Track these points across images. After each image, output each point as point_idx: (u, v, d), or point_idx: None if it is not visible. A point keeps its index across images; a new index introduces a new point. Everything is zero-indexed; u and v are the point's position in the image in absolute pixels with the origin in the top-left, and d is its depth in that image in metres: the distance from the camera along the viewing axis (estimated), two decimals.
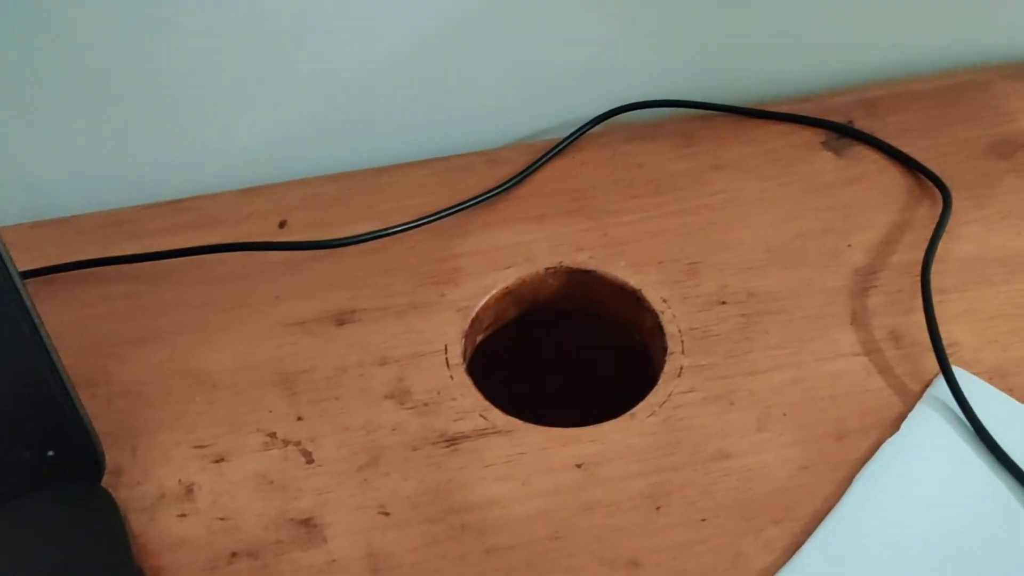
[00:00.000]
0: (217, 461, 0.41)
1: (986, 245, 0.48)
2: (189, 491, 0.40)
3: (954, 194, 0.50)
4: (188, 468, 0.41)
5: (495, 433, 0.41)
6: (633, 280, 0.47)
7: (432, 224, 0.49)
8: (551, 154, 0.53)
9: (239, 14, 0.47)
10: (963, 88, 0.56)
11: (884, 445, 0.40)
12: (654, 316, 0.46)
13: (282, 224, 0.50)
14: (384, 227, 0.49)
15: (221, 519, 0.39)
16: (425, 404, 0.43)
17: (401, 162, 0.54)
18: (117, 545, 0.37)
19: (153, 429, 0.42)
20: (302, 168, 0.53)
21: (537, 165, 0.52)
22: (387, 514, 0.39)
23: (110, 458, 0.40)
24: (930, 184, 0.51)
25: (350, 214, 0.50)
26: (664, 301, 0.46)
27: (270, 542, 0.38)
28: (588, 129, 0.54)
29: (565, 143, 0.53)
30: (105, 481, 0.40)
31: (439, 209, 0.50)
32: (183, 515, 0.39)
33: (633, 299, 0.47)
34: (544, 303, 0.49)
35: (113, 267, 0.48)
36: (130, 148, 0.52)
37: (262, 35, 0.49)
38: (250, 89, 0.51)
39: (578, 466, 0.40)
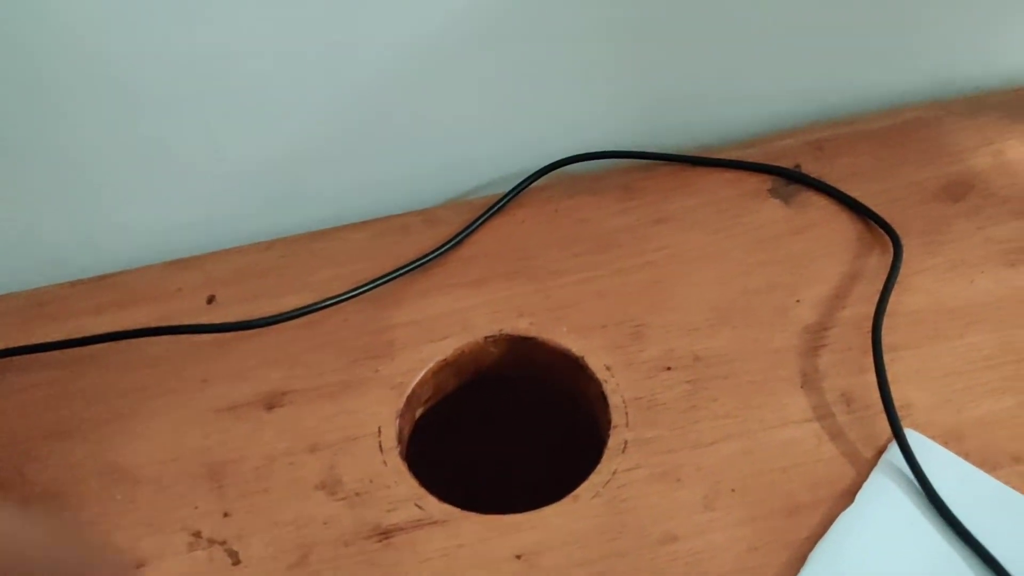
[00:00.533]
0: (137, 567, 0.39)
1: (938, 296, 0.46)
2: None
3: (905, 241, 0.48)
4: None
5: (431, 524, 0.39)
6: (576, 347, 0.45)
7: (366, 294, 0.47)
8: (490, 212, 0.51)
9: (150, 91, 0.45)
10: (912, 126, 0.55)
11: (839, 519, 0.39)
12: (597, 385, 0.44)
13: (211, 299, 0.48)
14: (316, 300, 0.47)
15: None
16: (357, 494, 0.41)
17: (337, 224, 0.52)
18: None
19: None
20: (233, 236, 0.51)
21: (476, 225, 0.50)
22: None
23: None
24: (880, 231, 0.49)
25: (282, 285, 0.48)
26: (607, 368, 0.44)
27: None
28: (529, 184, 0.52)
29: (505, 200, 0.52)
30: None
31: (374, 276, 0.48)
32: None
33: (576, 366, 0.45)
34: (486, 371, 0.47)
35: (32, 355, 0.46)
36: (48, 224, 0.50)
37: (179, 108, 0.47)
38: (173, 163, 0.49)
39: (518, 557, 0.38)
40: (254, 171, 0.51)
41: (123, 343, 0.46)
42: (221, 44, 0.45)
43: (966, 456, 0.40)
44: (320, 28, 0.45)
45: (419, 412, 0.46)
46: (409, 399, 0.44)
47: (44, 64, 0.43)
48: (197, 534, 0.40)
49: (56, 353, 0.46)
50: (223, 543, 0.39)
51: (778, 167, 0.52)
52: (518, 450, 0.51)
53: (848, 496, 0.39)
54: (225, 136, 0.49)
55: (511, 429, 0.50)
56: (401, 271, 0.48)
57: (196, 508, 0.40)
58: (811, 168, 0.52)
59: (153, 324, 0.46)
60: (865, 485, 0.40)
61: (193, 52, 0.44)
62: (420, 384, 0.45)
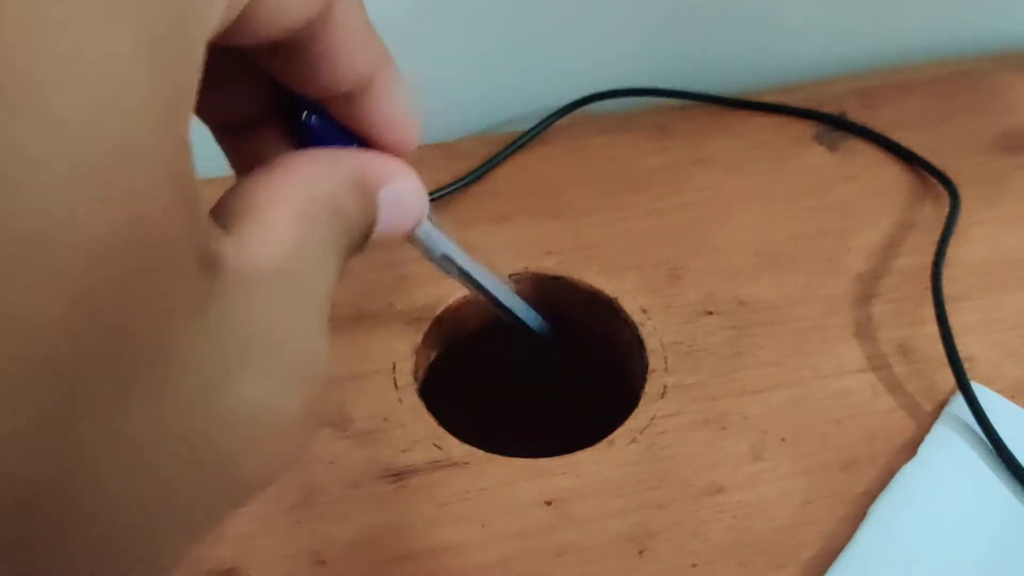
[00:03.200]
0: None
1: (999, 247, 0.43)
2: None
3: (961, 192, 0.45)
4: None
5: (450, 466, 0.35)
6: (608, 287, 0.42)
7: None
8: (514, 147, 0.47)
9: None
10: (963, 77, 0.51)
11: (899, 473, 0.35)
12: (632, 328, 0.40)
13: None
14: None
15: None
16: (369, 432, 0.37)
17: None
18: None
19: None
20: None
21: (498, 159, 0.47)
22: (323, 562, 0.33)
23: None
24: (934, 181, 0.46)
25: None
26: (644, 311, 0.41)
27: None
28: (555, 120, 0.49)
29: (530, 135, 0.48)
30: None
31: None
32: None
33: (609, 309, 0.42)
34: None
35: None
36: None
37: None
38: None
39: (548, 503, 0.34)
40: None
41: None
42: None
43: None
44: None
45: (437, 353, 0.42)
46: (426, 336, 0.40)
47: None
48: None
49: None
50: None
51: (823, 113, 0.49)
52: (544, 401, 0.47)
53: (909, 450, 0.36)
54: None
55: (537, 378, 0.46)
56: None
57: None
58: (857, 116, 0.49)
59: None
60: (928, 438, 0.36)
61: None
62: (437, 321, 0.41)
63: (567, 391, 0.47)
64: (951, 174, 0.46)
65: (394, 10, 0.45)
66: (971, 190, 0.45)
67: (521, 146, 0.48)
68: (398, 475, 0.35)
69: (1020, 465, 0.35)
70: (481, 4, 0.46)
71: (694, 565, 0.33)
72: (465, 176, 0.46)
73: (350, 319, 0.40)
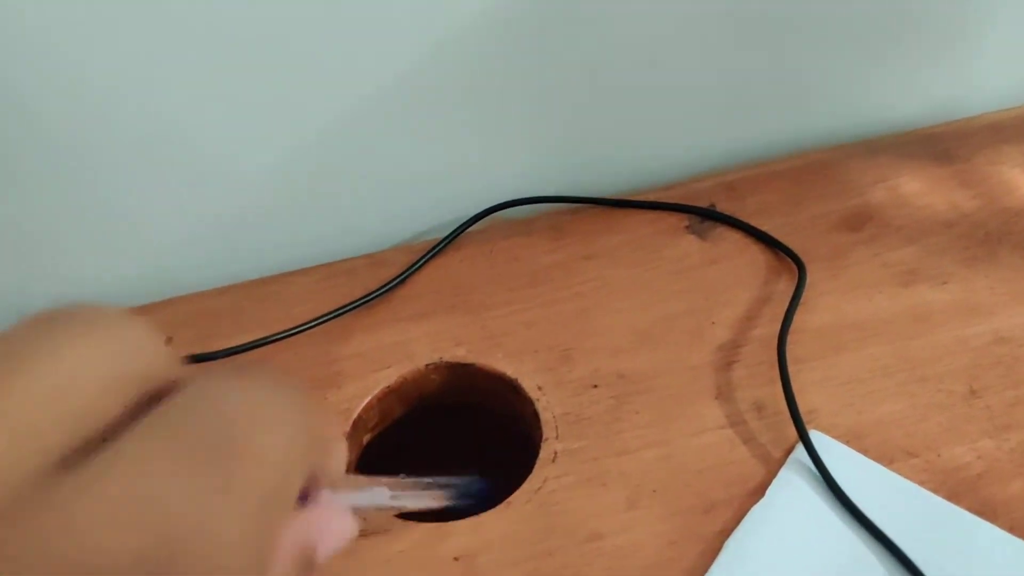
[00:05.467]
0: None
1: (840, 313, 0.51)
2: None
3: (809, 267, 0.53)
4: None
5: (373, 534, 0.42)
6: (510, 370, 0.49)
7: (315, 329, 0.51)
8: (431, 253, 0.55)
9: (108, 157, 0.49)
10: (815, 166, 0.60)
11: (750, 512, 0.42)
12: (531, 403, 0.48)
13: (168, 341, 0.51)
14: (266, 335, 0.50)
15: None
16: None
17: (288, 270, 0.55)
18: None
19: None
20: (187, 286, 0.54)
21: (418, 265, 0.54)
22: None
23: None
24: (787, 258, 0.54)
25: (236, 327, 0.52)
26: (539, 388, 0.48)
27: None
28: (467, 228, 0.57)
29: (444, 242, 0.56)
30: None
31: (320, 314, 0.51)
32: None
33: (511, 388, 0.49)
34: (428, 399, 0.51)
35: None
36: (17, 277, 0.53)
37: (139, 174, 0.51)
38: (128, 220, 0.52)
39: (456, 559, 0.41)
40: (209, 227, 0.54)
41: None
42: (173, 112, 0.49)
43: (865, 453, 0.44)
44: (268, 89, 0.50)
45: (367, 438, 0.49)
46: (355, 424, 0.47)
47: None
48: None
49: None
50: None
51: (694, 206, 0.57)
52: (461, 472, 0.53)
53: (759, 492, 0.43)
54: (180, 193, 0.53)
55: (454, 453, 0.53)
56: (349, 307, 0.52)
57: None
58: (724, 207, 0.57)
59: None
60: (774, 481, 0.43)
61: (147, 119, 0.49)
62: (366, 410, 0.48)
63: (485, 462, 0.54)
64: (801, 251, 0.53)
65: (322, 138, 0.53)
66: (818, 265, 0.53)
67: (438, 252, 0.55)
68: None
69: (849, 499, 0.42)
70: (402, 131, 0.54)
71: None
72: (388, 282, 0.53)
73: None
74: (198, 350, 0.50)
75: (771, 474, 0.44)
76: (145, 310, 0.53)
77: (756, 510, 0.42)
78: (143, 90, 0.48)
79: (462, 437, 0.53)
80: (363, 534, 0.42)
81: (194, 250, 0.55)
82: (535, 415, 0.47)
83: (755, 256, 0.54)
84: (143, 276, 0.55)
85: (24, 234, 0.52)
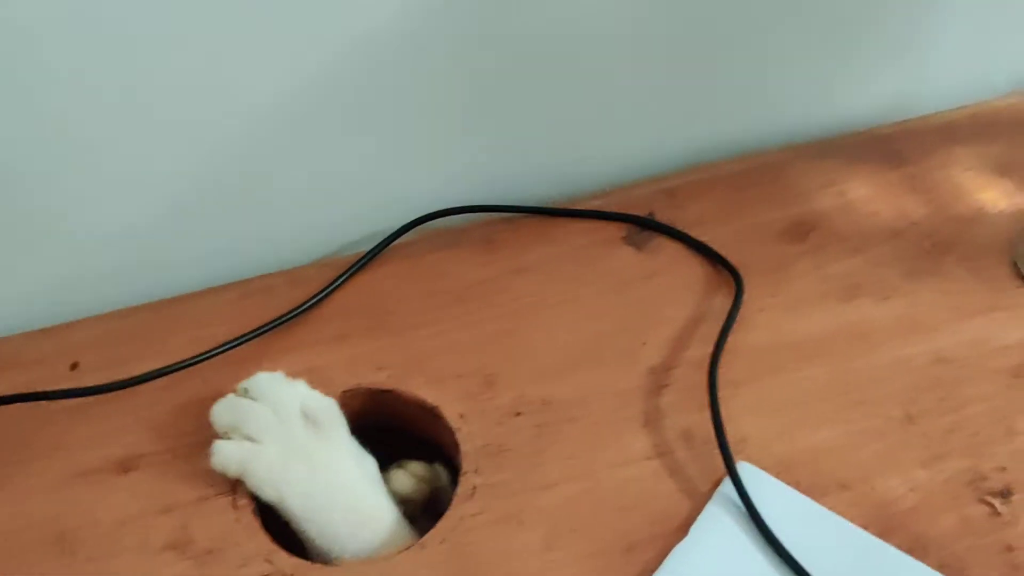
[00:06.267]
0: None
1: (778, 332, 0.48)
2: None
3: (748, 281, 0.50)
4: None
5: None
6: (431, 397, 0.47)
7: (226, 354, 0.48)
8: (353, 269, 0.52)
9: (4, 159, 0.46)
10: (761, 171, 0.57)
11: (672, 552, 0.40)
12: (451, 433, 0.45)
13: (74, 366, 0.49)
14: (174, 362, 0.47)
15: None
16: (208, 552, 0.41)
17: (201, 288, 0.53)
18: None
19: None
20: (95, 304, 0.51)
21: (338, 283, 0.52)
22: None
23: None
24: (726, 272, 0.51)
25: (146, 350, 0.49)
26: (461, 416, 0.46)
27: None
28: (392, 241, 0.54)
29: (368, 257, 0.53)
30: None
31: (233, 337, 0.49)
32: None
33: (432, 416, 0.46)
34: (348, 423, 0.48)
35: None
36: None
37: (37, 177, 0.48)
38: (30, 229, 0.49)
39: None
40: (115, 237, 0.51)
41: None
42: (78, 112, 0.46)
43: (797, 485, 0.42)
44: (177, 97, 0.47)
45: None
46: None
47: None
48: None
49: None
50: None
51: (632, 215, 0.55)
52: None
53: (684, 530, 0.41)
54: (84, 204, 0.49)
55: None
56: (260, 331, 0.49)
57: None
58: (664, 215, 0.55)
59: (12, 393, 0.47)
60: (699, 518, 0.41)
61: (51, 119, 0.45)
62: None
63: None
64: (741, 264, 0.51)
65: (235, 143, 0.50)
66: (758, 279, 0.51)
67: (361, 267, 0.53)
68: None
69: (775, 537, 0.40)
70: (324, 134, 0.51)
71: None
72: (305, 302, 0.51)
73: (196, 445, 0.45)
74: (106, 378, 0.47)
75: (697, 509, 0.41)
76: (46, 334, 0.50)
77: (679, 549, 0.40)
78: (44, 84, 0.44)
79: (382, 464, 0.50)
80: None
81: (98, 264, 0.52)
82: (455, 445, 0.45)
83: (693, 269, 0.52)
84: (41, 294, 0.51)
85: None
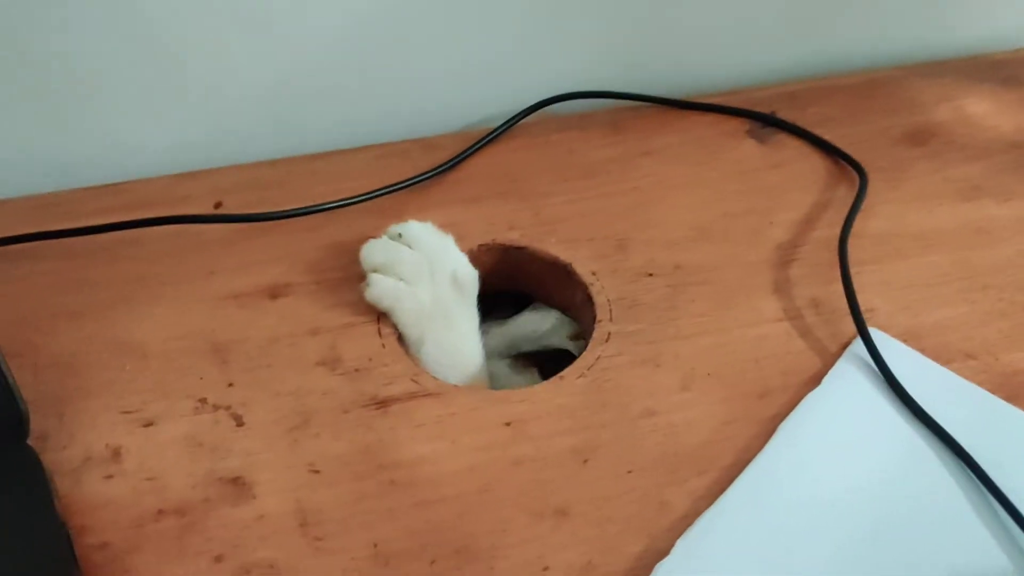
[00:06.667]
0: (146, 425, 0.41)
1: (901, 222, 0.50)
2: (116, 454, 0.40)
3: (870, 176, 0.52)
4: (115, 432, 0.40)
5: (425, 396, 0.42)
6: (564, 255, 0.48)
7: (366, 203, 0.50)
8: (484, 141, 0.54)
9: (161, 7, 0.48)
10: (879, 83, 0.59)
11: (805, 398, 0.41)
12: (584, 288, 0.47)
13: (217, 205, 0.51)
14: (316, 203, 0.49)
15: (148, 479, 0.39)
16: (356, 370, 0.43)
17: (340, 148, 0.54)
18: (41, 501, 0.36)
19: (80, 397, 0.42)
20: (239, 155, 0.53)
21: (471, 151, 0.54)
22: (317, 472, 0.39)
23: (36, 424, 0.40)
24: (848, 167, 0.53)
25: (285, 196, 0.51)
26: (593, 274, 0.47)
27: (198, 500, 0.38)
28: (521, 119, 0.56)
29: (498, 131, 0.55)
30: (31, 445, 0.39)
31: (373, 189, 0.51)
32: (109, 476, 0.39)
33: (564, 273, 0.48)
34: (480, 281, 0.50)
35: (45, 243, 0.48)
36: (61, 136, 0.52)
37: (190, 25, 0.49)
38: (183, 79, 0.51)
39: (507, 424, 0.41)
40: (262, 93, 0.53)
41: (130, 237, 0.48)
42: None
43: (922, 351, 0.43)
44: None
45: None
46: None
47: None
48: (203, 400, 0.42)
49: (66, 243, 0.48)
50: (228, 408, 0.41)
51: (755, 112, 0.56)
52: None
53: (815, 382, 0.42)
54: (235, 56, 0.51)
55: None
56: (401, 185, 0.51)
57: (201, 379, 0.42)
58: (786, 115, 0.56)
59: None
60: (831, 371, 0.43)
61: None
62: None
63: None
64: (863, 162, 0.53)
65: (383, 15, 0.52)
66: (879, 175, 0.52)
67: (490, 140, 0.55)
68: (382, 403, 0.42)
69: (908, 394, 0.41)
70: (460, 17, 0.53)
71: (629, 472, 0.39)
72: (441, 165, 0.52)
73: (340, 280, 0.47)
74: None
75: (827, 366, 0.43)
76: (193, 176, 0.52)
77: (811, 397, 0.42)
78: None
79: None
80: (413, 396, 0.42)
81: (247, 119, 0.54)
82: (588, 299, 0.46)
83: (815, 163, 0.54)
84: (191, 143, 0.54)
85: (73, 80, 0.51)
